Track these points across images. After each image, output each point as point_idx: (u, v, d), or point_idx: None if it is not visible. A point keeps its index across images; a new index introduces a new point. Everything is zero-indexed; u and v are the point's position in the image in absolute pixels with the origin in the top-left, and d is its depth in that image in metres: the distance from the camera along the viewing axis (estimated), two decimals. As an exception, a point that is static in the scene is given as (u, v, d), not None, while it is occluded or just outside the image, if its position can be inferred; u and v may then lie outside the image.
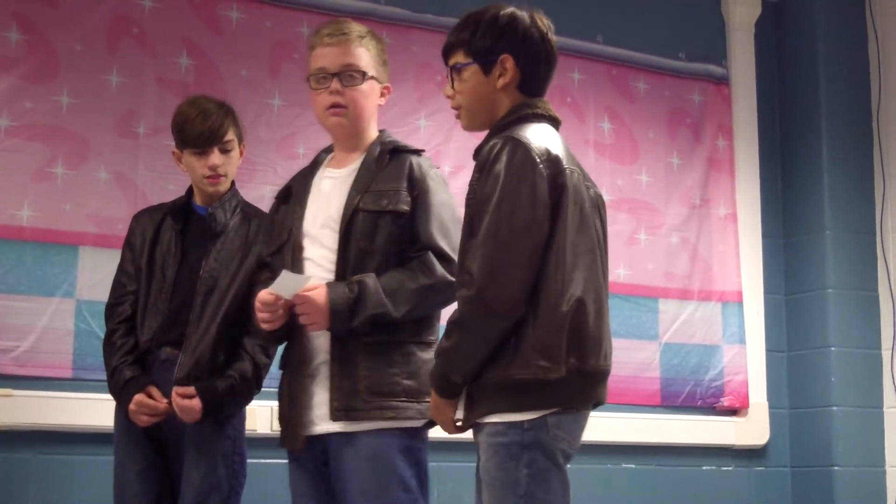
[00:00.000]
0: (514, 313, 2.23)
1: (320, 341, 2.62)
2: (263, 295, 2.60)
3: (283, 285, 2.57)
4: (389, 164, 2.69)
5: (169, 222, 3.09)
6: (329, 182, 2.73)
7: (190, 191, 3.15)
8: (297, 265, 2.65)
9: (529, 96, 2.41)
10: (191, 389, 2.89)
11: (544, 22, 2.44)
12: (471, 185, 2.36)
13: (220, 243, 3.04)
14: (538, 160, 2.26)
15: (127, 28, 3.92)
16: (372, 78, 2.73)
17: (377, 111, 2.80)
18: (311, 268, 2.64)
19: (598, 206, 2.41)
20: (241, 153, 3.14)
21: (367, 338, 2.56)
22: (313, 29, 2.86)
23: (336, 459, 2.59)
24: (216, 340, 2.96)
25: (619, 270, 4.58)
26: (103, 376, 3.07)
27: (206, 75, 3.99)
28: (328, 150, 2.85)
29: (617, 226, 4.58)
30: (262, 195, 3.89)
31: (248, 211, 3.13)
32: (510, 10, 2.42)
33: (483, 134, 2.46)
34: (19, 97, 3.72)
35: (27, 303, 3.63)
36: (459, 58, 2.42)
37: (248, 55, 4.09)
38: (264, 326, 2.64)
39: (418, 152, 2.75)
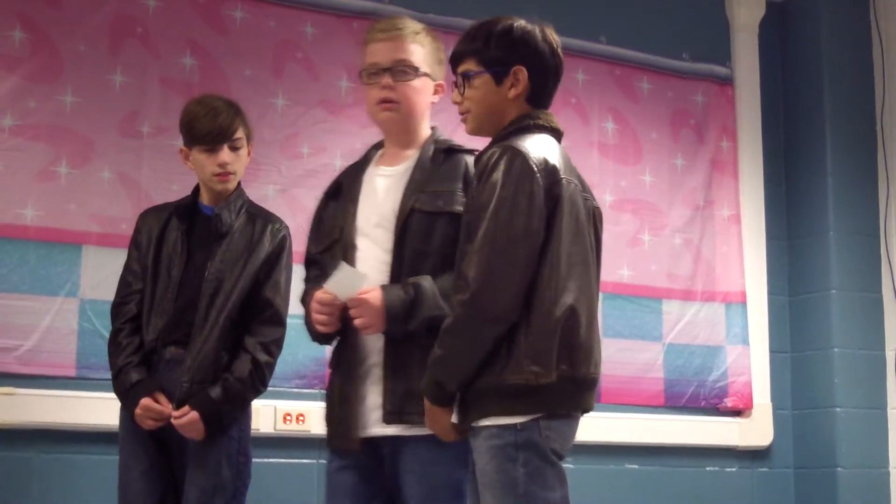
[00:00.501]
0: (508, 319, 2.26)
1: (373, 343, 2.58)
2: (321, 295, 2.56)
3: (340, 282, 2.53)
4: (444, 164, 2.66)
5: (175, 222, 3.08)
6: (382, 180, 2.69)
7: (196, 190, 3.15)
8: (349, 264, 2.61)
9: (535, 108, 2.45)
10: (185, 409, 2.89)
11: (554, 37, 2.47)
12: (469, 192, 2.40)
13: (226, 244, 3.04)
14: (535, 169, 2.29)
15: (131, 28, 3.93)
16: (425, 74, 2.70)
17: (430, 108, 2.76)
18: (365, 267, 2.60)
19: (595, 217, 2.44)
20: (248, 153, 3.14)
21: (422, 340, 2.51)
22: (368, 25, 2.84)
23: (391, 464, 2.56)
24: (220, 341, 2.96)
25: (622, 271, 4.58)
26: (107, 375, 3.07)
27: (210, 75, 3.99)
28: (377, 145, 2.82)
29: (620, 227, 4.58)
30: (265, 195, 3.90)
31: (254, 211, 3.13)
32: (523, 22, 2.45)
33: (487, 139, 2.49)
34: (23, 97, 3.73)
35: (31, 301, 3.63)
36: (471, 66, 2.45)
37: (252, 55, 4.10)
38: (320, 328, 2.60)
39: (472, 152, 2.71)
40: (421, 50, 2.71)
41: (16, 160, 3.68)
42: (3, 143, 3.68)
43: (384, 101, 2.69)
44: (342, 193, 2.74)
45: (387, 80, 2.68)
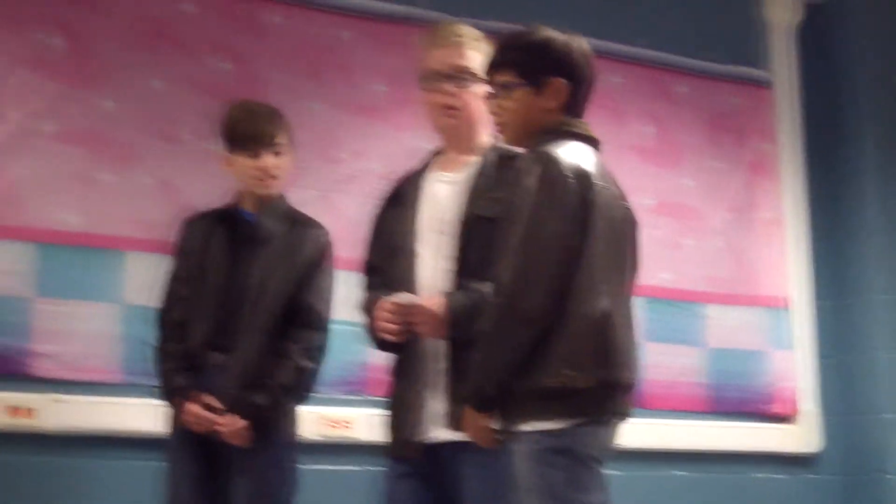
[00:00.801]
0: (542, 323, 2.28)
1: (436, 349, 2.58)
2: (390, 305, 2.57)
3: (402, 297, 2.56)
4: (508, 171, 2.62)
5: (218, 228, 3.09)
6: (443, 186, 2.70)
7: (238, 196, 3.15)
8: (411, 271, 2.63)
9: (570, 117, 2.46)
10: (230, 416, 2.89)
11: (587, 47, 2.49)
12: (503, 198, 2.42)
13: (268, 250, 3.04)
14: (568, 174, 2.31)
15: (169, 33, 3.93)
16: (485, 81, 2.70)
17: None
18: (427, 274, 2.61)
19: (630, 223, 2.45)
20: (290, 158, 3.15)
21: None
22: (427, 31, 2.86)
23: (452, 468, 2.56)
24: (264, 347, 2.96)
25: (663, 275, 4.55)
26: (151, 381, 3.07)
27: (248, 80, 3.99)
28: (435, 151, 2.82)
29: (660, 230, 4.55)
30: (304, 200, 3.89)
31: (295, 217, 3.13)
32: (559, 34, 2.47)
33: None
34: (64, 103, 3.73)
35: (74, 307, 3.63)
36: (509, 77, 2.46)
37: (289, 60, 4.10)
38: (389, 337, 2.60)
39: None
40: (480, 57, 2.71)
41: (57, 166, 3.69)
42: (45, 149, 3.68)
43: (445, 107, 2.70)
44: (401, 200, 2.74)
45: (448, 87, 2.69)
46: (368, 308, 2.69)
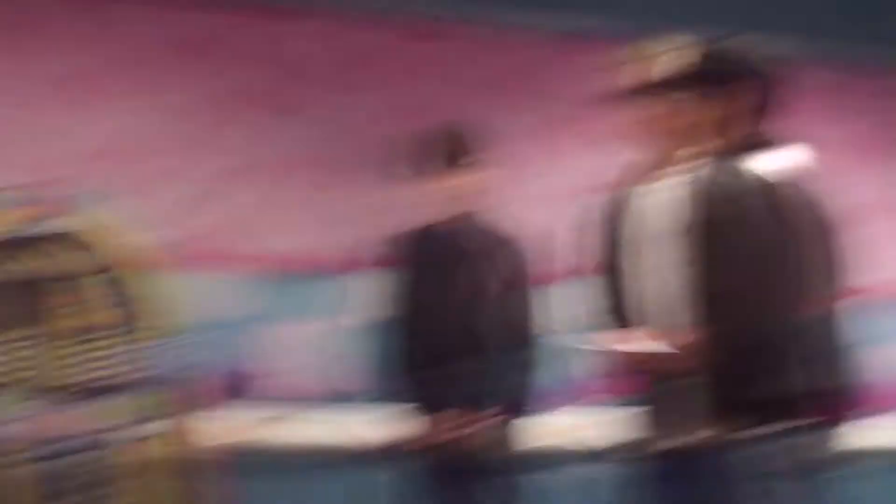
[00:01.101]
0: (762, 334, 2.28)
1: None
2: (635, 356, 2.52)
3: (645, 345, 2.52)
4: (713, 183, 2.58)
5: (425, 246, 3.15)
6: (653, 199, 2.65)
7: (439, 215, 3.18)
8: (631, 288, 2.61)
9: (760, 124, 2.45)
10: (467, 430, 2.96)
11: (772, 54, 2.48)
12: (714, 210, 2.39)
13: (474, 267, 3.09)
14: (768, 184, 2.31)
15: (362, 61, 4.08)
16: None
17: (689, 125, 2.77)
18: (648, 289, 2.59)
19: (831, 226, 2.39)
20: (485, 177, 3.19)
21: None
22: (620, 46, 2.88)
23: (691, 471, 2.51)
24: (482, 364, 3.01)
25: (888, 274, 4.39)
26: (377, 395, 3.13)
27: (437, 102, 4.08)
28: (638, 165, 2.86)
29: (880, 227, 4.39)
30: (500, 216, 3.94)
31: (495, 233, 3.17)
32: (742, 43, 2.48)
33: None
34: (272, 131, 3.92)
35: (299, 328, 3.79)
36: (696, 89, 2.47)
37: (476, 80, 4.18)
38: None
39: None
40: (675, 69, 2.69)
41: (269, 194, 3.87)
42: (263, 180, 3.88)
43: (646, 122, 2.69)
44: (613, 215, 2.74)
45: (646, 101, 2.68)
46: (602, 339, 2.66)
